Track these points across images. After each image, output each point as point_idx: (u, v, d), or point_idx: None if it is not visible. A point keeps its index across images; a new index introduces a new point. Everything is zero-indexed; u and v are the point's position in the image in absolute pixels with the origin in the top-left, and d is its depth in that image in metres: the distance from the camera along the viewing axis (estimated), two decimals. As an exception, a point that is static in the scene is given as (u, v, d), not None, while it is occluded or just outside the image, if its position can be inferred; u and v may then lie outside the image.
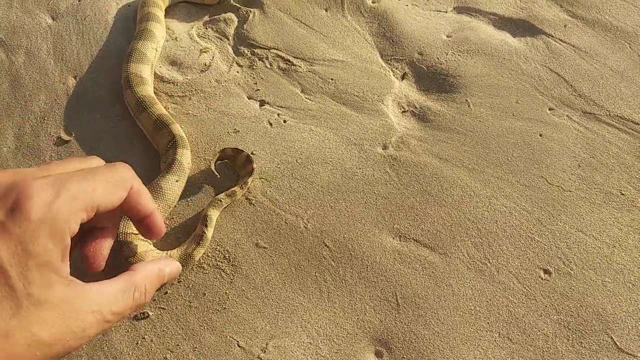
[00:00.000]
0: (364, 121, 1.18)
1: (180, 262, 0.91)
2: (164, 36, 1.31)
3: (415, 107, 1.22)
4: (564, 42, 1.35)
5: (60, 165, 0.61)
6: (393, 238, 0.98)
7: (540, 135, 1.15)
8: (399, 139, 1.14)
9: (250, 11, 1.41)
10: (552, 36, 1.36)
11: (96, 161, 0.67)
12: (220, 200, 1.00)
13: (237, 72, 1.27)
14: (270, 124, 1.16)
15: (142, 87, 1.14)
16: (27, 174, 0.56)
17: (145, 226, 0.66)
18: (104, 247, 0.63)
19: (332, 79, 1.26)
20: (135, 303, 0.62)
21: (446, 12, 1.44)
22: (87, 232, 0.63)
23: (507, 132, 1.16)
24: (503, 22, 1.41)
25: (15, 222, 0.50)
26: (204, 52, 1.30)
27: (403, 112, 1.21)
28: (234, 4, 1.43)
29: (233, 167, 1.09)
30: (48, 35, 1.34)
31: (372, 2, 1.44)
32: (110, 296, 0.60)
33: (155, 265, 0.69)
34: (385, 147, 1.13)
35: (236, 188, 1.01)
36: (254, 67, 1.28)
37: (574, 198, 1.05)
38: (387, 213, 1.01)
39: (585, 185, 1.07)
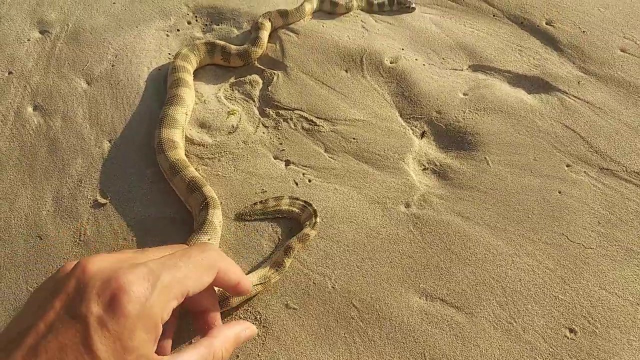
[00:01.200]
0: (386, 179, 1.22)
1: (259, 284, 0.99)
2: (194, 99, 1.38)
3: (436, 165, 1.26)
4: (578, 98, 1.39)
5: (157, 251, 0.65)
6: (419, 298, 1.00)
7: (559, 193, 1.19)
8: (420, 197, 1.18)
9: (274, 73, 1.48)
10: (567, 93, 1.41)
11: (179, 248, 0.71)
12: (308, 235, 1.08)
13: (263, 133, 1.33)
14: (296, 184, 1.21)
15: (174, 151, 1.19)
16: (124, 261, 0.59)
17: (234, 292, 0.72)
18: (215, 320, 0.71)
19: (354, 138, 1.31)
20: None
21: (462, 70, 1.49)
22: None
23: (527, 189, 1.19)
24: (518, 80, 1.46)
25: (113, 318, 0.53)
26: (232, 114, 1.36)
27: (424, 169, 1.25)
28: (259, 66, 1.50)
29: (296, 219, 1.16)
30: (83, 100, 1.41)
31: (390, 63, 1.50)
32: None
33: (233, 329, 0.71)
34: (407, 206, 1.16)
35: (307, 230, 1.09)
36: (279, 128, 1.34)
37: (595, 255, 1.07)
38: (412, 272, 1.04)
39: (606, 242, 1.09)
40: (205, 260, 0.64)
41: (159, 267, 0.59)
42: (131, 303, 0.54)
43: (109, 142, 1.30)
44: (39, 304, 0.55)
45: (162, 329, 0.59)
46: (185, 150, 1.27)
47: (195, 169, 1.23)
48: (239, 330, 0.73)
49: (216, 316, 0.72)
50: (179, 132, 1.26)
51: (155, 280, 0.57)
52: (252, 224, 1.12)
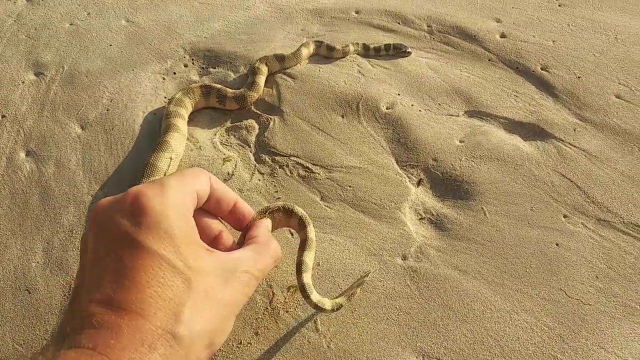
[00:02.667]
0: (382, 230, 1.21)
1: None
2: (183, 143, 1.37)
3: (432, 214, 1.25)
4: (574, 146, 1.39)
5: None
6: (416, 357, 0.98)
7: (557, 245, 1.17)
8: (417, 249, 1.17)
9: (270, 118, 1.47)
10: (563, 140, 1.41)
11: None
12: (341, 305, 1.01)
13: (259, 180, 1.32)
14: (292, 234, 1.19)
15: None
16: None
17: (235, 216, 0.80)
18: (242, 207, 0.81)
19: (350, 186, 1.30)
20: (272, 259, 0.76)
21: (458, 116, 1.49)
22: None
23: (524, 241, 1.18)
24: (514, 126, 1.46)
25: (143, 216, 0.60)
26: (227, 160, 1.35)
27: (420, 219, 1.24)
28: (255, 110, 1.50)
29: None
30: (77, 146, 1.40)
31: (387, 108, 1.50)
32: (250, 259, 0.71)
33: (262, 224, 0.84)
34: (404, 258, 1.15)
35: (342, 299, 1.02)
36: (275, 175, 1.33)
37: (594, 312, 1.05)
38: (409, 330, 1.02)
39: (605, 298, 1.08)
40: (200, 174, 0.73)
41: (164, 178, 0.68)
42: (152, 200, 0.61)
43: (102, 190, 1.29)
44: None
45: (194, 221, 0.66)
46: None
47: (189, 219, 1.21)
48: (266, 224, 0.86)
49: (243, 205, 0.82)
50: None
51: (162, 184, 0.65)
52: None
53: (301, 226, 1.02)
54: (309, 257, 0.98)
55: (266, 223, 0.86)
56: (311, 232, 1.01)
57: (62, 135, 1.43)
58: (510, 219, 1.23)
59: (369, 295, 1.07)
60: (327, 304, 0.96)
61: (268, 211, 0.98)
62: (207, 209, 0.77)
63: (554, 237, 1.19)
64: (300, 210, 1.01)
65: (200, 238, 0.67)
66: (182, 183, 0.67)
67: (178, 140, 1.33)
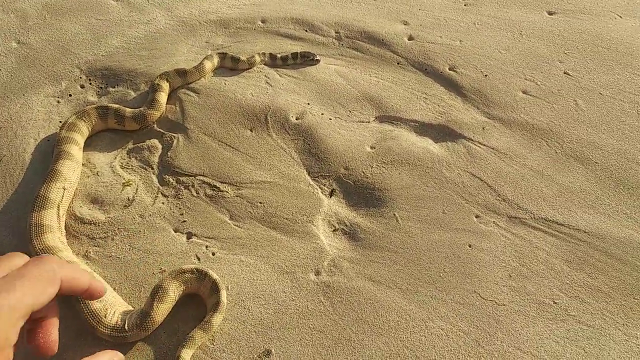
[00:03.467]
0: (295, 246, 1.16)
1: None
2: (77, 171, 1.27)
3: (346, 225, 1.21)
4: (483, 144, 1.40)
5: None
6: (331, 379, 0.94)
7: (470, 246, 1.16)
8: (331, 262, 1.13)
9: (174, 136, 1.40)
10: (472, 140, 1.41)
11: (18, 259, 0.65)
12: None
13: (163, 203, 1.24)
14: (198, 259, 1.13)
15: (43, 236, 1.08)
16: None
17: (87, 296, 0.67)
18: (51, 333, 0.63)
19: (260, 203, 1.25)
20: None
21: (369, 122, 1.47)
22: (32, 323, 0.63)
23: (437, 245, 1.16)
24: (424, 129, 1.46)
25: None
26: (127, 185, 1.27)
27: (334, 230, 1.20)
28: (158, 129, 1.42)
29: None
30: (-41, 181, 1.28)
31: (296, 119, 1.46)
32: None
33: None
34: (318, 273, 1.11)
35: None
36: (180, 197, 1.26)
37: (508, 312, 1.04)
38: (323, 349, 0.98)
39: (518, 297, 1.07)
40: (45, 274, 0.60)
41: None
42: None
43: (-10, 230, 1.18)
44: None
45: (12, 352, 0.56)
46: (73, 230, 1.16)
47: (86, 251, 1.12)
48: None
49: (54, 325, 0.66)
50: (52, 212, 1.14)
51: None
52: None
53: (214, 290, 1.03)
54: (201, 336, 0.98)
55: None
56: (224, 295, 1.03)
57: (-58, 171, 1.31)
58: (423, 223, 1.21)
59: (281, 317, 1.02)
60: None
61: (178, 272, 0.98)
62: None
63: (466, 238, 1.18)
64: (214, 274, 1.04)
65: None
66: (15, 303, 0.56)
67: (70, 168, 1.23)
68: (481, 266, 1.13)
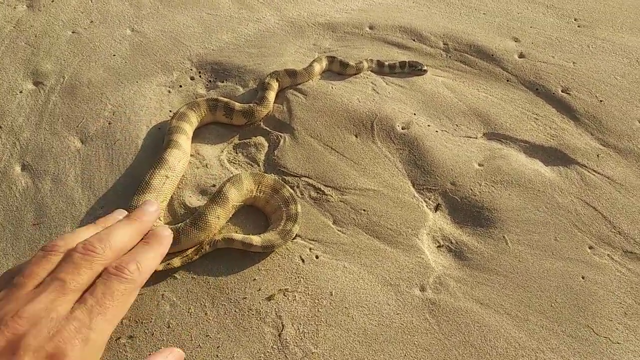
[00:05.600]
0: (399, 258, 1.14)
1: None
2: (185, 160, 1.29)
3: (451, 242, 1.18)
4: (598, 173, 1.33)
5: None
6: (438, 400, 0.91)
7: (583, 278, 1.11)
8: (436, 279, 1.10)
9: (280, 136, 1.40)
10: (586, 166, 1.35)
11: (118, 214, 0.93)
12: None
13: (268, 201, 1.25)
14: (302, 260, 1.12)
15: None
16: (55, 300, 0.67)
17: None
18: None
19: (364, 210, 1.23)
20: None
21: (476, 138, 1.43)
22: None
23: (549, 273, 1.11)
24: (534, 150, 1.40)
25: None
26: (234, 179, 1.28)
27: (439, 247, 1.17)
28: (265, 127, 1.43)
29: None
30: (76, 161, 1.33)
31: (402, 129, 1.43)
32: None
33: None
34: (423, 289, 1.08)
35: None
36: (285, 196, 1.26)
37: (623, 351, 0.99)
38: (429, 369, 0.95)
39: (634, 337, 1.01)
40: (127, 291, 0.75)
41: (87, 315, 0.68)
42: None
43: (102, 208, 1.21)
44: None
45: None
46: (181, 218, 1.18)
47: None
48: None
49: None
50: (151, 197, 1.16)
51: (87, 334, 0.66)
52: (254, 305, 1.02)
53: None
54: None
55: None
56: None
57: (60, 149, 1.36)
58: (534, 249, 1.16)
59: (385, 330, 1.00)
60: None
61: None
62: None
63: (579, 269, 1.13)
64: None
65: None
66: (106, 325, 0.70)
67: (177, 157, 1.25)
68: (595, 300, 1.07)
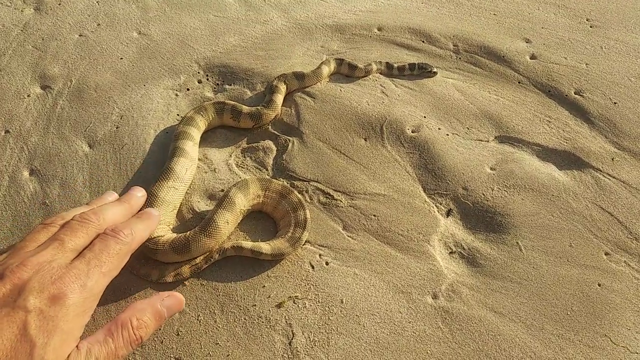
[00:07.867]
0: (410, 264, 1.12)
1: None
2: (192, 167, 1.27)
3: (464, 249, 1.16)
4: (613, 177, 1.31)
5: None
6: (452, 412, 0.89)
7: (599, 285, 1.08)
8: (449, 286, 1.07)
9: (289, 140, 1.39)
10: (600, 170, 1.32)
11: (109, 195, 1.07)
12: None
13: (276, 206, 1.23)
14: (312, 267, 1.10)
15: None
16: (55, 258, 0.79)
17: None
18: None
19: (374, 215, 1.21)
20: (120, 342, 0.82)
21: (488, 141, 1.41)
22: None
23: (564, 281, 1.09)
24: (547, 154, 1.38)
25: (51, 307, 0.72)
26: (243, 184, 1.27)
27: (451, 253, 1.15)
28: (273, 131, 1.41)
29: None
30: (84, 165, 1.31)
31: (412, 132, 1.41)
32: (95, 346, 0.80)
33: (146, 301, 0.90)
34: (435, 297, 1.06)
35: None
36: (294, 201, 1.24)
37: (643, 362, 0.96)
38: (442, 379, 0.93)
39: (654, 347, 0.99)
40: (122, 252, 0.87)
41: (86, 265, 0.79)
42: (71, 299, 0.74)
43: (110, 214, 1.20)
44: None
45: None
46: (190, 224, 1.16)
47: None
48: (155, 300, 0.90)
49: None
50: (160, 211, 1.13)
51: (85, 281, 0.77)
52: (264, 312, 1.01)
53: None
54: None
55: (150, 301, 0.91)
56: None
57: (68, 154, 1.34)
58: (548, 255, 1.14)
59: (397, 339, 0.98)
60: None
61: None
62: None
63: (595, 276, 1.10)
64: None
65: None
66: (101, 278, 0.81)
67: (184, 165, 1.23)
68: (612, 308, 1.05)
